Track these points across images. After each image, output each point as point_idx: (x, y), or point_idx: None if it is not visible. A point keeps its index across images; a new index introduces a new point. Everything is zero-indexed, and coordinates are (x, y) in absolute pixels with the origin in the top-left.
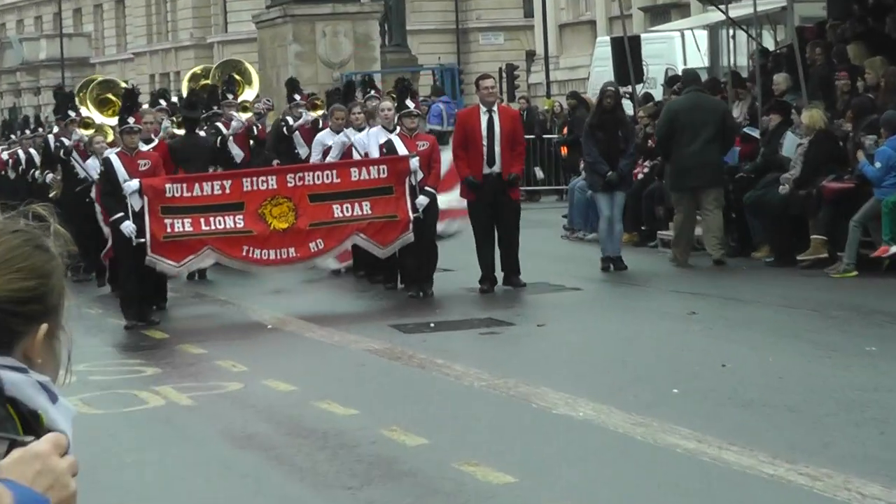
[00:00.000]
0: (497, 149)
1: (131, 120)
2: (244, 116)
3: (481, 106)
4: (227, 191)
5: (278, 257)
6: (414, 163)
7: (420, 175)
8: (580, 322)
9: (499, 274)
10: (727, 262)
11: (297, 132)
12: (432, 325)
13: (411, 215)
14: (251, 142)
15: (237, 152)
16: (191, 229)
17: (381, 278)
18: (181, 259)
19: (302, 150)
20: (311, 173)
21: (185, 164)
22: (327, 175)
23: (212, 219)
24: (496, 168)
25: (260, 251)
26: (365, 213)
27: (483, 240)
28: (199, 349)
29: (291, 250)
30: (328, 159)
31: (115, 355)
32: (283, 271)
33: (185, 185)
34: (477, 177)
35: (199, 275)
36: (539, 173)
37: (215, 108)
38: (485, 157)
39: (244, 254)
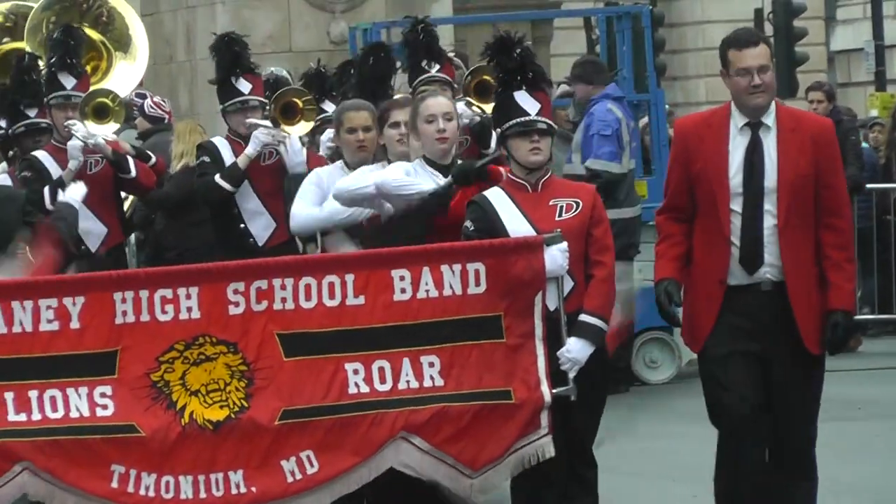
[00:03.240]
0: (772, 219)
1: None
2: (105, 133)
3: (734, 110)
4: (76, 320)
5: (207, 495)
6: (557, 255)
7: (570, 285)
8: None
9: None
10: None
11: (245, 176)
12: None
13: (548, 394)
14: (122, 191)
15: (89, 224)
16: None
17: None
18: None
19: (254, 221)
20: (286, 278)
21: None
22: (332, 284)
23: (35, 393)
24: (766, 274)
25: (155, 479)
26: (430, 385)
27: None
28: None
29: (238, 479)
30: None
31: None
32: None
33: None
34: (711, 293)
35: None
36: None
37: (33, 113)
38: (736, 244)
39: (116, 485)
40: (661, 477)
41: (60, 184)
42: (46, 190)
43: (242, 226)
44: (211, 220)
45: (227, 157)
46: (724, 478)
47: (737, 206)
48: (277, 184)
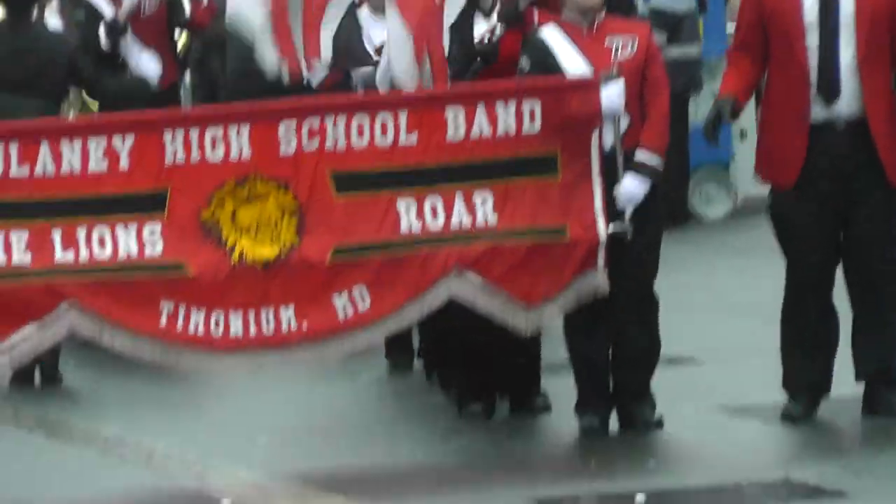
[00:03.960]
0: (848, 57)
1: None
2: None
3: None
4: (125, 163)
5: (257, 332)
6: (612, 94)
7: (625, 122)
8: None
9: None
10: None
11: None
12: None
13: (603, 232)
14: (177, 35)
15: (147, 64)
16: (28, 260)
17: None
18: (5, 334)
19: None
20: (339, 116)
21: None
22: (384, 123)
23: (84, 233)
24: (846, 108)
25: (204, 315)
26: (483, 222)
27: (800, 304)
28: None
29: (289, 315)
30: (379, 80)
31: None
32: (265, 367)
33: (15, 148)
34: (792, 131)
35: (45, 373)
36: None
37: None
38: (814, 79)
39: (165, 322)
40: (716, 311)
41: (115, 25)
42: (102, 30)
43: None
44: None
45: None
46: (790, 318)
47: (812, 40)
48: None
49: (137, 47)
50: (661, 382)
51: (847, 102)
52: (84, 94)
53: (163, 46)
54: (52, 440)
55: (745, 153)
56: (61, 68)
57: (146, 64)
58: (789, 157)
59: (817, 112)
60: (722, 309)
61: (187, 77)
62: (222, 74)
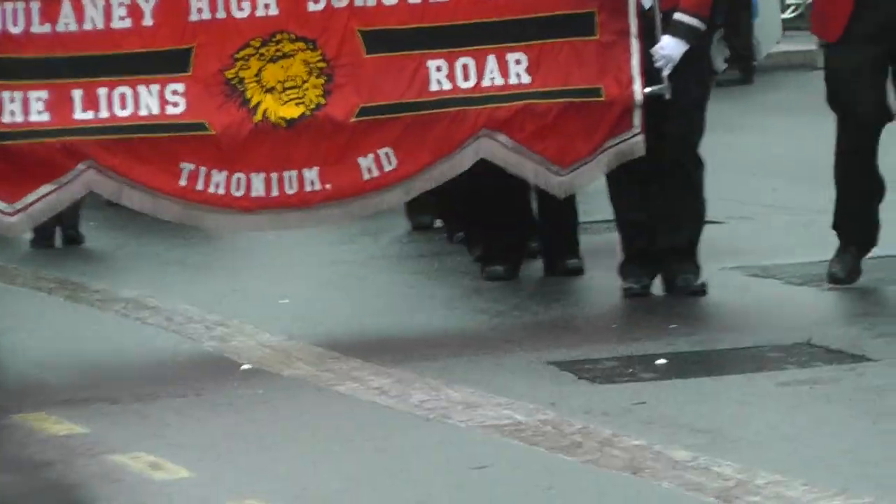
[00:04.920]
0: None
1: None
2: None
3: None
4: (149, 20)
5: (279, 193)
6: None
7: None
8: None
9: None
10: None
11: None
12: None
13: (640, 92)
14: None
15: None
16: (46, 119)
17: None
18: (19, 194)
19: None
20: None
21: None
22: None
23: (105, 92)
24: None
25: (225, 176)
26: (515, 80)
27: (850, 158)
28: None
29: (313, 176)
30: None
31: None
32: (290, 229)
33: (37, 6)
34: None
35: (66, 234)
36: None
37: None
38: None
39: (185, 182)
40: (742, 171)
41: None
42: None
43: None
44: None
45: None
46: (843, 166)
47: None
48: None
49: None
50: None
51: None
52: None
53: None
54: (72, 302)
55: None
56: None
57: None
58: (837, 12)
59: None
60: (745, 169)
61: None
62: None
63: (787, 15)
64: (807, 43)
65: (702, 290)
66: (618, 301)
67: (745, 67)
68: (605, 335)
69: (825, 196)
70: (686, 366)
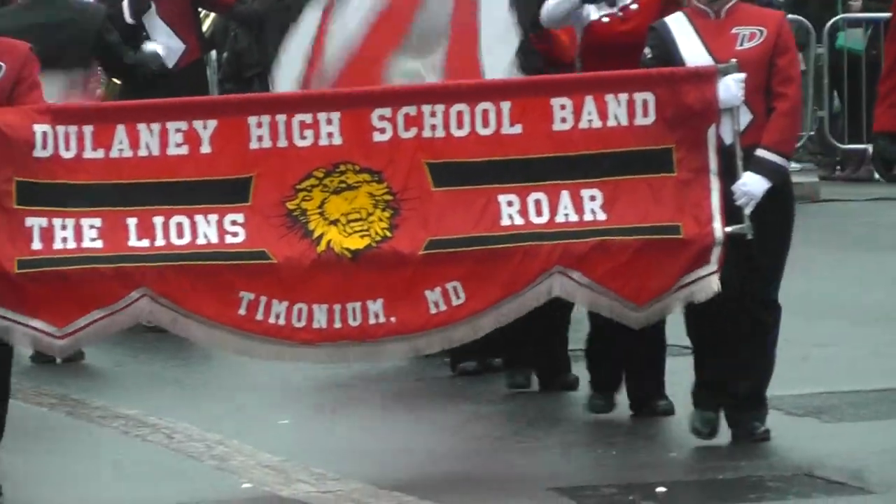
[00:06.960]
0: None
1: None
2: None
3: None
4: (207, 145)
5: (342, 325)
6: (731, 85)
7: (747, 118)
8: None
9: None
10: None
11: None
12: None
13: (720, 230)
14: (200, 7)
15: (167, 41)
16: (101, 245)
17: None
18: (70, 318)
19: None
20: (436, 104)
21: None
22: (485, 111)
23: (160, 219)
24: None
25: (286, 307)
26: (590, 217)
27: None
28: None
29: (376, 309)
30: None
31: None
32: (352, 362)
33: (90, 130)
34: None
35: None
36: None
37: None
38: None
39: (244, 311)
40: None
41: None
42: (125, 3)
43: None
44: None
45: None
46: None
47: None
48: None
49: (160, 23)
50: (682, 371)
51: None
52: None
53: (187, 22)
54: (73, 418)
55: None
56: (88, 40)
57: (164, 41)
58: None
59: None
60: None
61: (213, 55)
62: (250, 53)
63: None
64: (808, 175)
65: (765, 437)
66: (617, 426)
67: None
68: (605, 461)
69: (823, 329)
70: (686, 494)
